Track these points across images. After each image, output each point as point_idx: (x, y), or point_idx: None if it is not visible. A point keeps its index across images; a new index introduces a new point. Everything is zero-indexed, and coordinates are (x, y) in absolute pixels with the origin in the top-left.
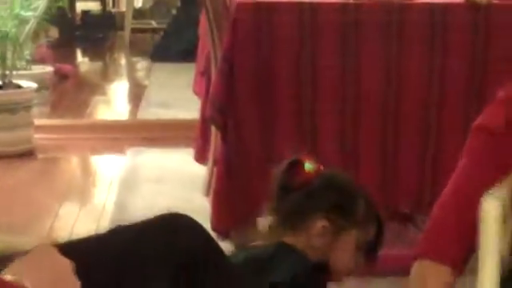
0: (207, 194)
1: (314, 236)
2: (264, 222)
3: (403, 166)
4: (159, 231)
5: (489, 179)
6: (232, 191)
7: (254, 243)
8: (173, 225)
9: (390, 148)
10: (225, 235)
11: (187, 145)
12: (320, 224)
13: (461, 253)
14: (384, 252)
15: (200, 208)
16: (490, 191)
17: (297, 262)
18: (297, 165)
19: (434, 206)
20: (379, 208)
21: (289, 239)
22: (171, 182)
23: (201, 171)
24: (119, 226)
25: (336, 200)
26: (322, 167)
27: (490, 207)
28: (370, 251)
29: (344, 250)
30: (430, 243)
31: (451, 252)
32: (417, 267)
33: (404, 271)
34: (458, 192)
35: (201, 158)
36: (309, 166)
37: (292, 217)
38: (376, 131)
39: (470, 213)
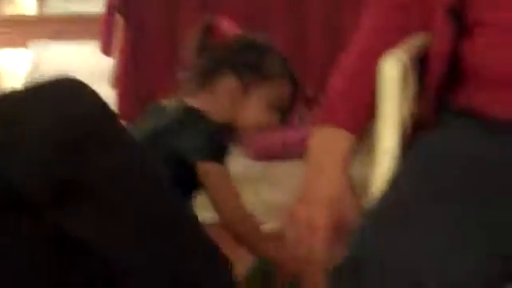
0: (114, 86)
1: (222, 93)
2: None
3: (311, 44)
4: (49, 95)
5: (388, 41)
6: (136, 75)
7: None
8: (63, 90)
9: (298, 27)
10: (132, 121)
11: (94, 38)
12: (228, 80)
13: (360, 117)
14: (289, 135)
15: (107, 99)
16: (390, 52)
17: (202, 127)
18: (213, 25)
19: (334, 71)
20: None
21: (199, 100)
22: (78, 75)
23: (107, 63)
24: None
25: (244, 56)
26: (239, 30)
27: (389, 68)
28: (284, 110)
29: (253, 107)
30: (328, 109)
31: (350, 117)
32: (316, 135)
33: None
34: (358, 54)
35: (107, 49)
36: (225, 26)
37: (203, 76)
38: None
39: (369, 77)
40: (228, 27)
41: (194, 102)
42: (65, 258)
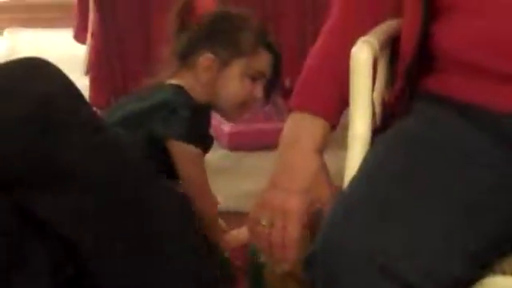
0: (87, 73)
1: (200, 71)
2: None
3: (284, 33)
4: (14, 71)
5: (360, 28)
6: (108, 62)
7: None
8: (29, 67)
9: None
10: (105, 109)
11: (67, 25)
12: (205, 57)
13: (334, 104)
14: (265, 125)
15: (80, 86)
16: (361, 38)
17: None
18: (191, 4)
19: (307, 58)
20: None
21: (180, 79)
22: (52, 61)
23: (81, 51)
24: None
25: (219, 32)
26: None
27: (360, 53)
28: (269, 82)
29: (232, 81)
30: (302, 95)
31: (324, 103)
32: (290, 121)
33: None
34: (330, 39)
35: (80, 36)
36: (203, 4)
37: (181, 56)
38: None
39: (342, 62)
40: (206, 5)
41: (175, 81)
42: (32, 239)
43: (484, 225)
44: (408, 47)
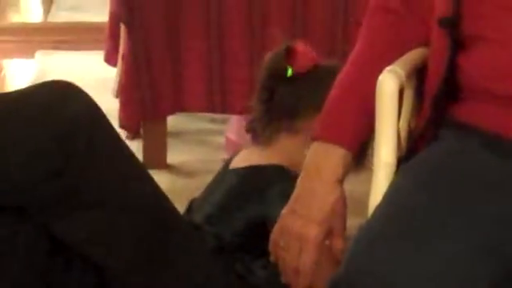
0: (117, 96)
1: (305, 137)
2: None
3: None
4: (38, 96)
5: (386, 58)
6: (138, 86)
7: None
8: (54, 91)
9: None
10: (134, 132)
11: (98, 48)
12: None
13: (357, 134)
14: None
15: (110, 109)
16: (387, 68)
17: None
18: (292, 50)
19: (333, 87)
20: None
21: (284, 140)
22: (80, 84)
23: (111, 73)
24: None
25: None
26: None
27: (386, 82)
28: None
29: None
30: (325, 125)
31: (347, 133)
32: (312, 150)
33: None
34: (355, 69)
35: (111, 59)
36: (305, 52)
37: (289, 114)
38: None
39: (367, 92)
40: (307, 53)
41: (271, 154)
42: (57, 260)
43: (507, 255)
44: (435, 77)
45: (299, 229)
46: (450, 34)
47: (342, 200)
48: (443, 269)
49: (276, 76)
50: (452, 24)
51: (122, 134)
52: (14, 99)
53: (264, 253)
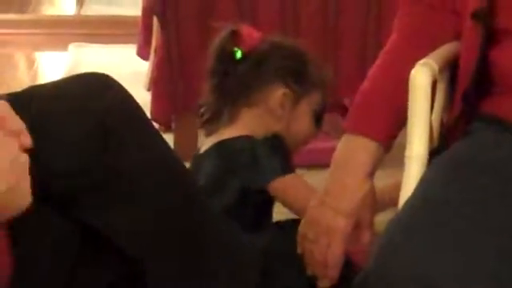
0: (149, 89)
1: (274, 106)
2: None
3: (343, 53)
4: (76, 87)
5: (419, 51)
6: (171, 79)
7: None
8: (91, 82)
9: (330, 40)
10: (166, 125)
11: (131, 41)
12: (280, 92)
13: (388, 127)
14: (325, 144)
15: (142, 102)
16: (421, 61)
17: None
18: (237, 33)
19: (365, 80)
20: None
21: (245, 115)
22: (115, 77)
23: (144, 67)
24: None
25: (291, 65)
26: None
27: (420, 77)
28: (317, 118)
29: (303, 119)
30: (357, 117)
31: (378, 126)
32: (343, 142)
33: None
34: (388, 62)
35: (144, 53)
36: (250, 32)
37: (245, 89)
38: (318, 14)
39: (400, 85)
40: (252, 34)
41: (237, 128)
42: (87, 252)
43: None
44: (466, 71)
45: (328, 221)
46: (483, 27)
47: (372, 194)
48: (474, 264)
49: (225, 59)
50: (485, 17)
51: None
52: (51, 90)
53: (258, 226)
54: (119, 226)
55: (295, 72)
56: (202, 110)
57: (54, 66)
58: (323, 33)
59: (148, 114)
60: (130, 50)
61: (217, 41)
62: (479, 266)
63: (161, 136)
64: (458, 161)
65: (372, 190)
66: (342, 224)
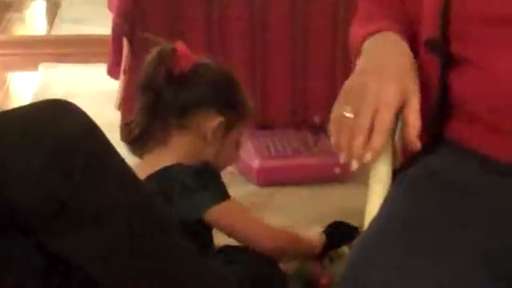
0: (119, 108)
1: (208, 133)
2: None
3: (313, 72)
4: (36, 114)
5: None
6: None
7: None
8: (51, 109)
9: (300, 57)
10: None
11: (102, 60)
12: (217, 120)
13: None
14: (295, 161)
15: (112, 121)
16: None
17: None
18: (173, 52)
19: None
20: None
21: (177, 138)
22: (83, 96)
23: (114, 86)
24: None
25: (226, 94)
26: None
27: None
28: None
29: (230, 146)
30: (367, 25)
31: (389, 21)
32: (364, 54)
33: (318, 180)
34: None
35: (114, 72)
36: (187, 52)
37: (178, 111)
38: (285, 37)
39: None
40: (188, 54)
41: (169, 152)
42: (53, 278)
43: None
44: (428, 98)
45: (374, 86)
46: (439, 55)
47: (415, 69)
48: (442, 283)
49: (158, 78)
50: (440, 45)
51: (124, 146)
52: (12, 118)
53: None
54: (85, 251)
55: (229, 101)
56: (130, 127)
57: (24, 86)
58: (292, 51)
59: (118, 134)
60: (101, 69)
61: (152, 56)
62: (447, 285)
63: (123, 160)
64: (422, 180)
65: (414, 65)
66: (391, 89)
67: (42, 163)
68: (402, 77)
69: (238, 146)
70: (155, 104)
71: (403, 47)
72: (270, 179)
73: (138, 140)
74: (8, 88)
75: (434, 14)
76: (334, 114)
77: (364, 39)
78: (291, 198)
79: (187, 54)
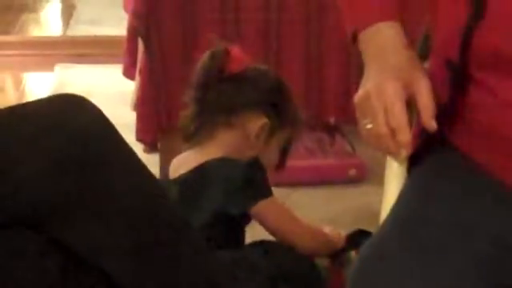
0: (134, 109)
1: (251, 133)
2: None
3: (328, 73)
4: (50, 108)
5: None
6: (155, 99)
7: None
8: (65, 104)
9: (314, 55)
10: (151, 145)
11: (117, 61)
12: (261, 121)
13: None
14: (310, 162)
15: (127, 122)
16: None
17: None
18: (227, 53)
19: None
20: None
21: (222, 135)
22: (99, 97)
23: (129, 87)
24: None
25: (274, 98)
26: (250, 60)
27: None
28: (283, 154)
29: (272, 150)
30: (358, 14)
31: (382, 9)
32: (364, 45)
33: (333, 181)
34: None
35: (129, 73)
36: (240, 55)
37: (227, 109)
38: (300, 38)
39: None
40: (242, 56)
41: (217, 146)
42: (70, 274)
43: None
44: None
45: (375, 91)
46: (455, 76)
47: (413, 59)
48: (445, 284)
49: (212, 75)
50: (460, 70)
51: (140, 147)
52: (26, 111)
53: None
54: (97, 243)
55: (277, 106)
56: (183, 122)
57: (40, 86)
58: (307, 51)
59: (133, 134)
60: (117, 70)
61: (207, 55)
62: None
63: (136, 156)
64: (431, 179)
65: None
66: (389, 87)
67: (55, 157)
68: (399, 73)
69: (285, 153)
70: (205, 99)
71: (398, 42)
72: (284, 180)
73: (190, 132)
74: (24, 89)
75: (455, 36)
76: (362, 132)
77: (358, 31)
78: (307, 199)
79: (240, 57)
